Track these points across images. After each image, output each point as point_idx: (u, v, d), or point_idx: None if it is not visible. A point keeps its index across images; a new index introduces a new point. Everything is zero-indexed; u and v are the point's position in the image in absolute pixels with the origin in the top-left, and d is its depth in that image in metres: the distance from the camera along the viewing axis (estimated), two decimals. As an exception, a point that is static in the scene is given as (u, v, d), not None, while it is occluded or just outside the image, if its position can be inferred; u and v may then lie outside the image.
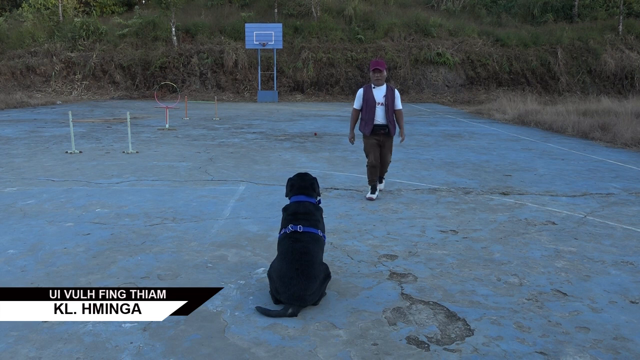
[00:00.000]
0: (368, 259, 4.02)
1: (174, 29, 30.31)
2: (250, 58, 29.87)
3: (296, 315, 3.03)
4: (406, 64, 29.83)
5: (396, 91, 5.99)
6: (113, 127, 13.97)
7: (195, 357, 2.60)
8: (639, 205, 5.88)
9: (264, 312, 3.05)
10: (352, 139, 6.28)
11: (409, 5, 35.43)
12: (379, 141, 6.02)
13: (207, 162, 8.47)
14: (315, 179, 3.64)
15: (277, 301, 3.16)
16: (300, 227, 3.27)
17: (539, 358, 2.62)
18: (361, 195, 6.20)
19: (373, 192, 6.03)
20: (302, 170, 3.66)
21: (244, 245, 4.34)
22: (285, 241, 3.26)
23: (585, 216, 5.37)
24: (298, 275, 3.06)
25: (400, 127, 6.07)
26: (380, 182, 6.41)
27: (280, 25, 28.20)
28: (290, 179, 3.64)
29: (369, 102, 5.92)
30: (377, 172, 6.06)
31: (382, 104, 5.89)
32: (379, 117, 5.91)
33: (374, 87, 5.93)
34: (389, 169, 6.52)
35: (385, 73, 5.86)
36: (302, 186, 3.53)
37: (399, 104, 5.99)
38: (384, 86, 5.94)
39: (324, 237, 3.41)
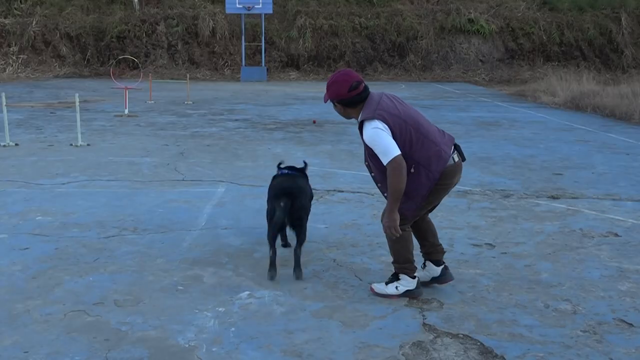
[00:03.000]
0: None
1: (135, -11, 30.34)
2: (231, 26, 29.88)
3: (288, 207, 3.94)
4: (429, 33, 29.84)
5: (365, 127, 3.62)
6: (58, 113, 13.98)
7: (161, 404, 2.60)
8: None
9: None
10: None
11: (432, -42, 35.48)
12: None
13: (177, 158, 8.48)
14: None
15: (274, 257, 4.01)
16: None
17: (598, 406, 2.62)
18: (372, 199, 6.20)
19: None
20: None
21: (223, 262, 4.34)
22: (273, 182, 4.44)
23: (656, 226, 5.37)
24: (287, 187, 4.20)
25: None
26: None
27: (270, -16, 28.21)
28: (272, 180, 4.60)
29: None
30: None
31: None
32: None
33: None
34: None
35: (337, 105, 3.74)
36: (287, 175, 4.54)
37: (380, 155, 3.57)
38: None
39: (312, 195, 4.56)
